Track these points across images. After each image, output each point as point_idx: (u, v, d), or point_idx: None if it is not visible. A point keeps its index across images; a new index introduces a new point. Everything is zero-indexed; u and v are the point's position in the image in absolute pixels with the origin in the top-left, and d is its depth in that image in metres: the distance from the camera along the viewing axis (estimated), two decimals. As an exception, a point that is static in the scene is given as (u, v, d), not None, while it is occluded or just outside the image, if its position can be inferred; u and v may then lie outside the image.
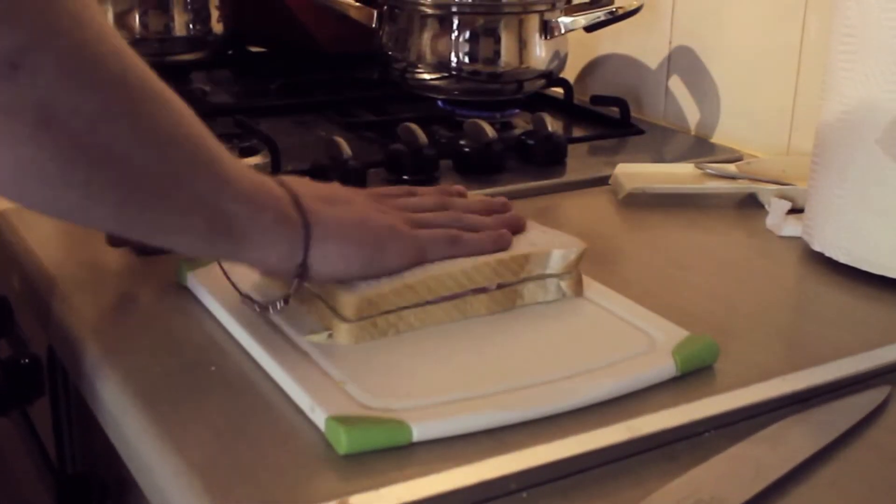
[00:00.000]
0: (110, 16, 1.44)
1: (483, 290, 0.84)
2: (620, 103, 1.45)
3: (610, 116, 1.47)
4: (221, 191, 0.72)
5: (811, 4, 1.27)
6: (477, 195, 0.98)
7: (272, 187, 0.77)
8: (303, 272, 0.77)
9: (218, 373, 0.76)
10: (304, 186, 0.80)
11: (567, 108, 1.53)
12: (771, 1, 1.32)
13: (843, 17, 0.96)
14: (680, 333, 0.80)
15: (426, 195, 0.92)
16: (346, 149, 1.13)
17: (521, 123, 1.42)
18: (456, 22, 1.36)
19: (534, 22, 1.37)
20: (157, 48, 1.48)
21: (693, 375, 0.77)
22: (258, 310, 0.81)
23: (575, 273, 0.87)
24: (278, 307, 0.80)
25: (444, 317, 0.82)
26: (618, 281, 0.92)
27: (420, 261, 0.82)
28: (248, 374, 0.76)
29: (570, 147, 1.29)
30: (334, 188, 0.85)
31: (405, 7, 1.39)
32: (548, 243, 0.88)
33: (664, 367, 0.76)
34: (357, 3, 1.44)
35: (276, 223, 0.76)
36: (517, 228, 0.90)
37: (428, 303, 0.82)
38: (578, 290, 0.88)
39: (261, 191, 0.76)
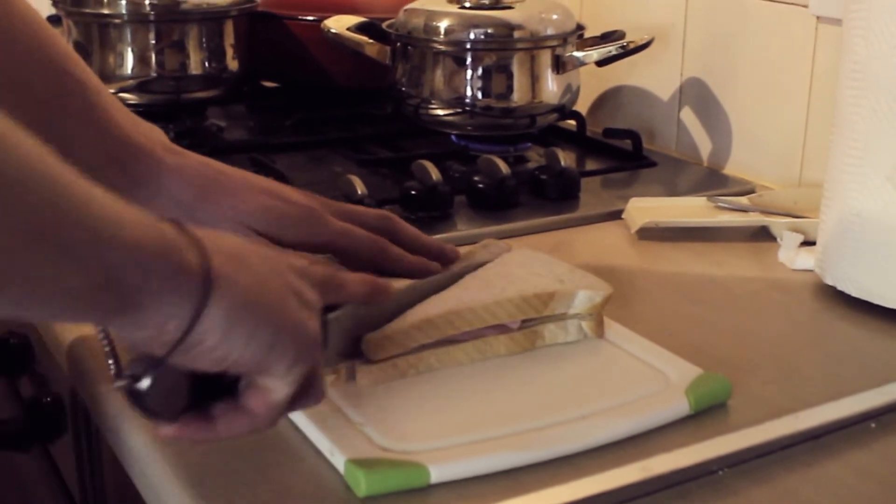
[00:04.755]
0: (129, 55, 1.46)
1: (505, 331, 0.85)
2: (633, 136, 1.46)
3: (622, 148, 1.47)
4: (98, 238, 0.57)
5: (821, 37, 1.28)
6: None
7: (163, 228, 0.62)
8: (180, 343, 0.61)
9: (238, 415, 0.77)
10: (211, 237, 0.65)
11: (580, 141, 1.54)
12: (781, 33, 1.33)
13: (850, 53, 0.97)
14: (693, 371, 0.81)
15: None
16: (361, 187, 1.14)
17: (535, 157, 1.43)
18: (469, 58, 1.37)
19: (546, 57, 1.39)
20: (173, 86, 1.49)
21: (706, 413, 0.78)
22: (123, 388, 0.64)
23: (597, 315, 0.88)
24: (143, 386, 0.63)
25: (464, 358, 0.83)
26: (631, 316, 0.93)
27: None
28: (268, 416, 0.77)
29: (584, 181, 1.30)
30: (250, 247, 0.69)
31: (418, 44, 1.40)
32: (575, 283, 0.88)
33: (678, 406, 0.77)
34: (371, 41, 1.46)
35: (173, 276, 0.60)
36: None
37: (449, 342, 0.82)
38: (600, 331, 0.88)
39: (150, 233, 0.60)
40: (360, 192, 1.13)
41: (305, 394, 0.68)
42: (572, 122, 1.54)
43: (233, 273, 0.63)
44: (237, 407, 0.66)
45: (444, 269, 0.91)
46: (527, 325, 0.86)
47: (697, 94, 1.48)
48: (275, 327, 0.64)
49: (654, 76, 1.55)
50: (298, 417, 0.75)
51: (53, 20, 1.93)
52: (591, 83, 1.60)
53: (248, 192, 0.88)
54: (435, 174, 1.18)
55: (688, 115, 1.50)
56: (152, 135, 0.88)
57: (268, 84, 1.77)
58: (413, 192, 1.18)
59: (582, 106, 1.57)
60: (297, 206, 0.88)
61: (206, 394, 0.66)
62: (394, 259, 0.89)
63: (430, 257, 0.92)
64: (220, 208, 0.86)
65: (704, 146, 1.48)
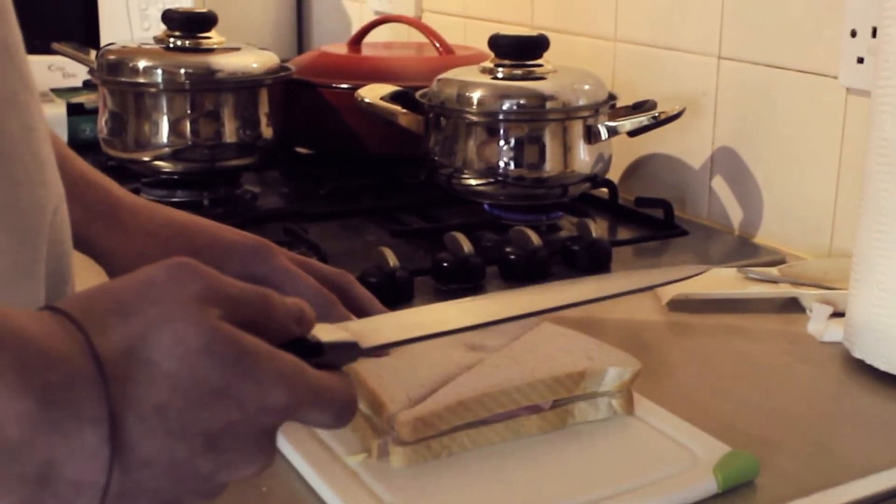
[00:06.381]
0: (164, 123, 1.48)
1: (536, 411, 0.85)
2: (665, 205, 1.47)
3: (654, 217, 1.48)
4: None
5: (850, 108, 1.29)
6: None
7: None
8: None
9: (269, 493, 0.78)
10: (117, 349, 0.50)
11: (611, 209, 1.54)
12: (811, 103, 1.34)
13: (878, 129, 0.98)
14: (721, 449, 0.81)
15: None
16: (393, 259, 1.15)
17: (567, 226, 1.44)
18: (501, 128, 1.39)
19: (578, 128, 1.40)
20: (208, 154, 1.50)
21: (734, 492, 0.78)
22: None
23: (626, 392, 0.89)
24: None
25: (497, 438, 0.84)
26: (660, 390, 0.93)
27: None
28: (298, 494, 0.78)
29: (615, 250, 1.31)
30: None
31: (451, 114, 1.41)
32: (603, 360, 0.89)
33: (706, 484, 0.77)
34: (404, 110, 1.47)
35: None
36: None
37: (482, 423, 0.83)
38: (629, 408, 0.89)
39: None
40: (392, 263, 1.14)
41: None
42: (604, 189, 1.55)
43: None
44: None
45: None
46: (558, 403, 0.86)
47: (729, 163, 1.49)
48: None
49: (685, 145, 1.56)
50: (328, 495, 0.76)
51: (89, 87, 1.97)
52: (622, 151, 1.61)
53: (199, 224, 0.89)
54: (467, 246, 1.19)
55: (719, 184, 1.51)
56: (107, 178, 0.90)
57: (302, 151, 1.78)
58: (445, 264, 1.19)
59: (614, 174, 1.57)
60: (248, 238, 0.88)
61: None
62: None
63: None
64: (172, 241, 0.87)
65: (735, 215, 1.48)
